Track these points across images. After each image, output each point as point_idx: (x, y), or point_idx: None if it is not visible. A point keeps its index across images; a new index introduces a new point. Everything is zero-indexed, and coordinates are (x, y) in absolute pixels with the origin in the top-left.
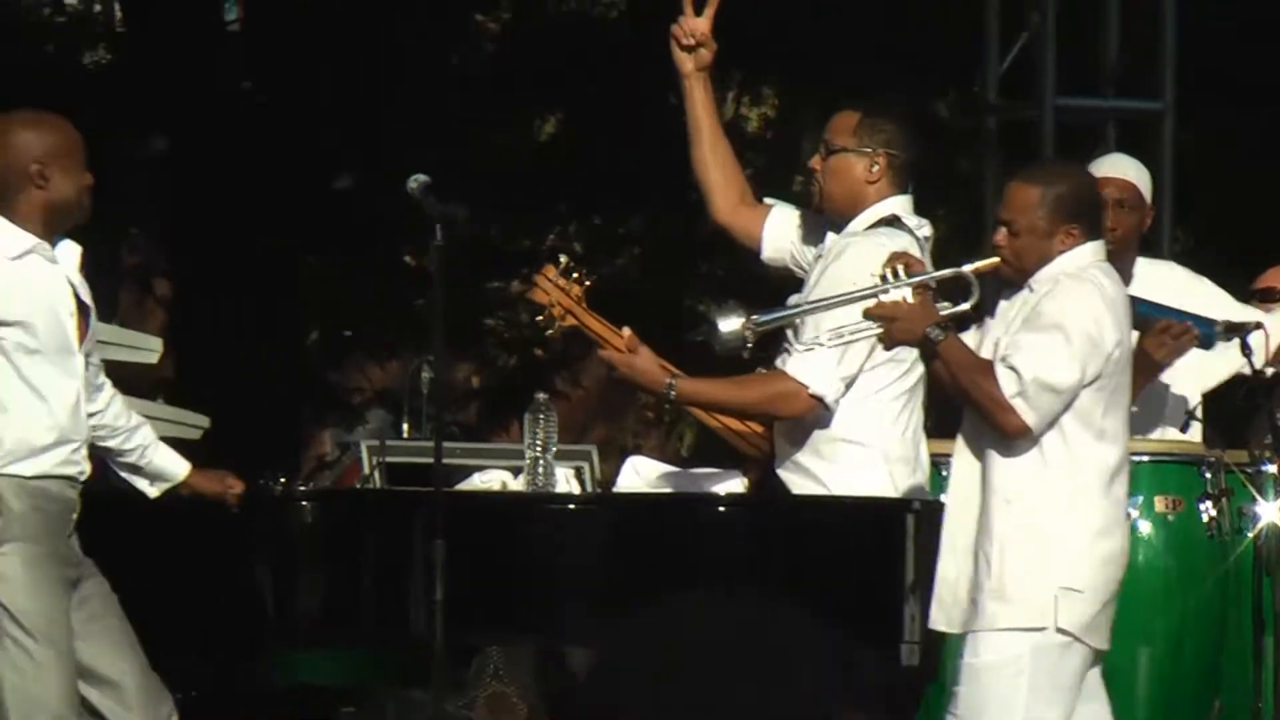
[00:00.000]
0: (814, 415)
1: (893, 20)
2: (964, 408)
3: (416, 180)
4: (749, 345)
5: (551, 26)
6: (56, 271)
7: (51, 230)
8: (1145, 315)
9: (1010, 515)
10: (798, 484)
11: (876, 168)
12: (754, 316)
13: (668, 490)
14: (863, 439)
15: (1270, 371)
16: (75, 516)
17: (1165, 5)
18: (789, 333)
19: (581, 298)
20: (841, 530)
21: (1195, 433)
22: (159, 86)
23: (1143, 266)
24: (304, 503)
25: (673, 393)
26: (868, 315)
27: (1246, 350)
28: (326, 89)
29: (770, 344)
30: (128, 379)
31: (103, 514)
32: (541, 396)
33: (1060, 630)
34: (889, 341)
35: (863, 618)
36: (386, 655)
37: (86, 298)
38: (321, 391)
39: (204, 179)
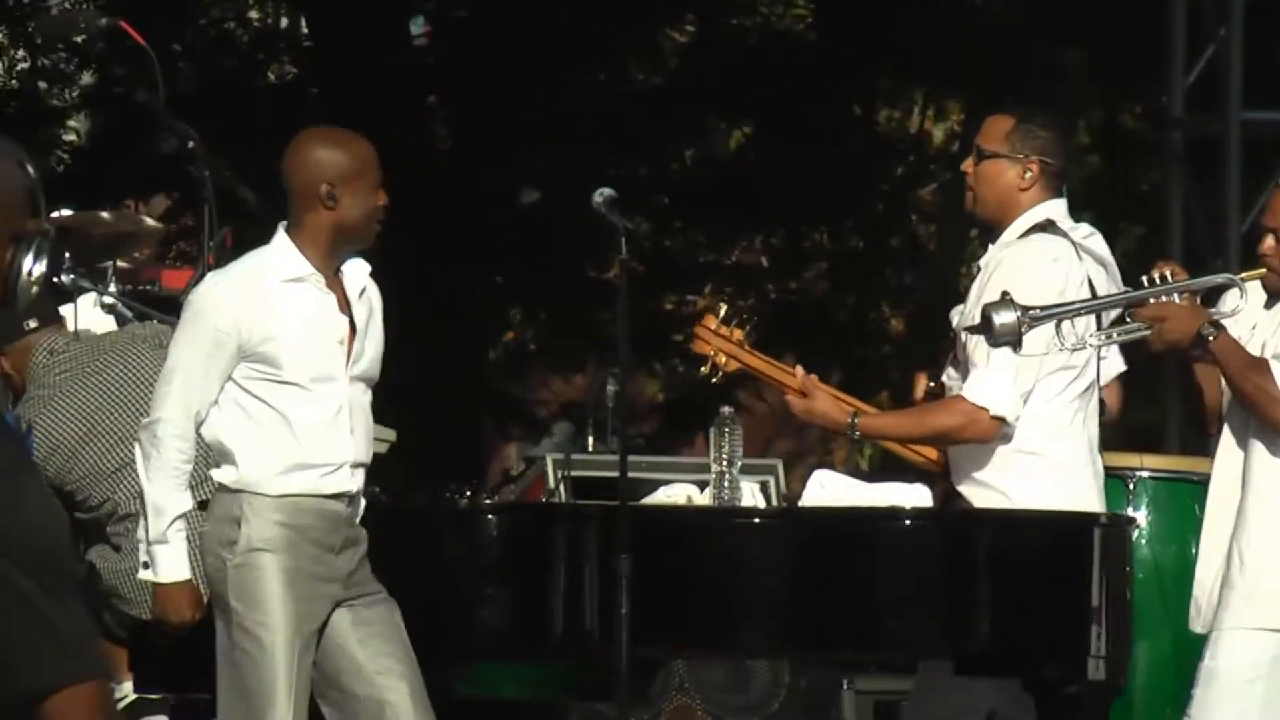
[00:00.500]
0: (997, 436)
1: (1078, 33)
2: (1227, 411)
3: (601, 194)
4: (1023, 338)
5: (737, 39)
6: (327, 301)
7: (335, 252)
8: None
9: (1268, 516)
10: (978, 497)
11: (1029, 174)
12: (1030, 310)
13: (853, 504)
14: (1038, 449)
15: None
16: (344, 535)
17: None
18: (968, 347)
19: (743, 342)
20: (1028, 544)
21: None
22: (344, 101)
23: None
24: (489, 516)
25: (856, 432)
26: (1138, 316)
27: None
28: (511, 103)
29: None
30: None
31: None
32: (727, 410)
33: None
34: (1160, 341)
35: (1049, 631)
36: (571, 669)
37: (363, 319)
38: (506, 405)
39: (387, 193)
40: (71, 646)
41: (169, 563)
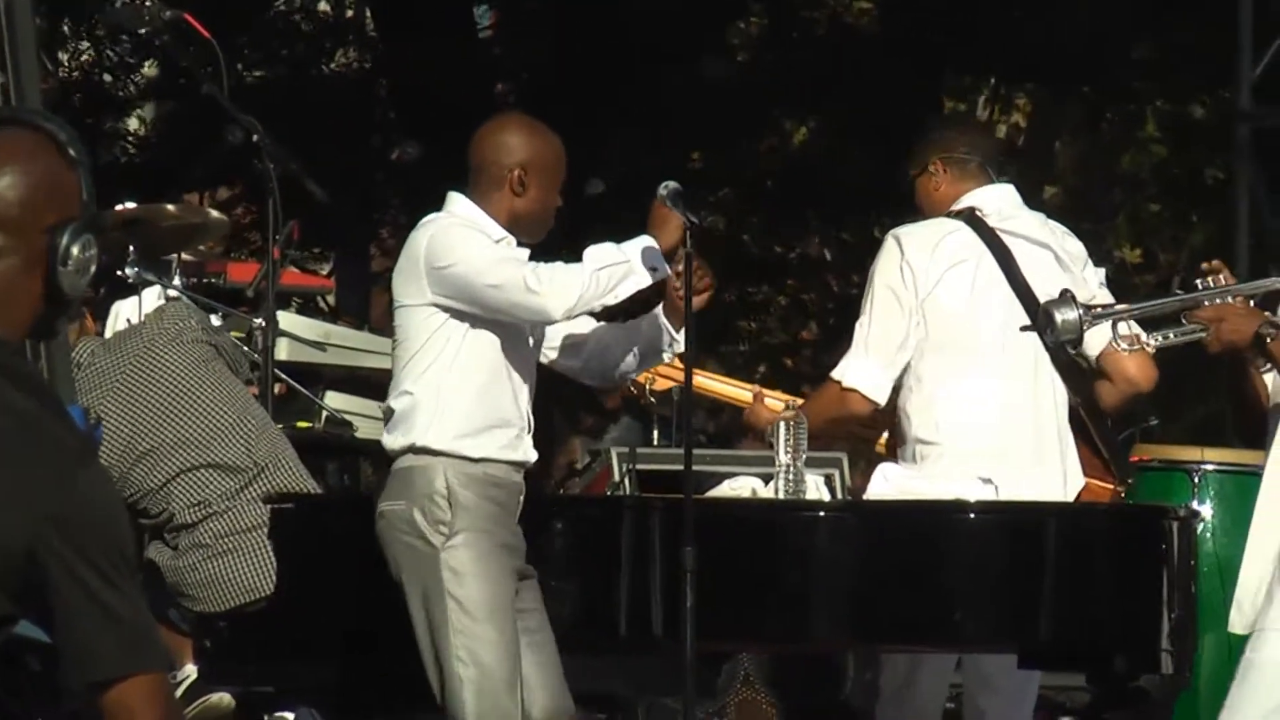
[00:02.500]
0: (868, 411)
1: (1146, 27)
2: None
3: (666, 187)
4: (1083, 336)
5: (804, 33)
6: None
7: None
8: None
9: None
10: (903, 490)
11: (935, 175)
12: (1092, 309)
13: (918, 497)
14: (928, 436)
15: None
16: (520, 502)
17: None
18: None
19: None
20: (1097, 536)
21: None
22: (410, 90)
23: None
24: (555, 509)
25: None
26: (1195, 318)
27: None
28: (577, 95)
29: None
30: (379, 385)
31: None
32: (792, 403)
33: None
34: (1217, 343)
35: (1120, 623)
36: (638, 662)
37: None
38: (572, 398)
39: (455, 184)
40: (133, 637)
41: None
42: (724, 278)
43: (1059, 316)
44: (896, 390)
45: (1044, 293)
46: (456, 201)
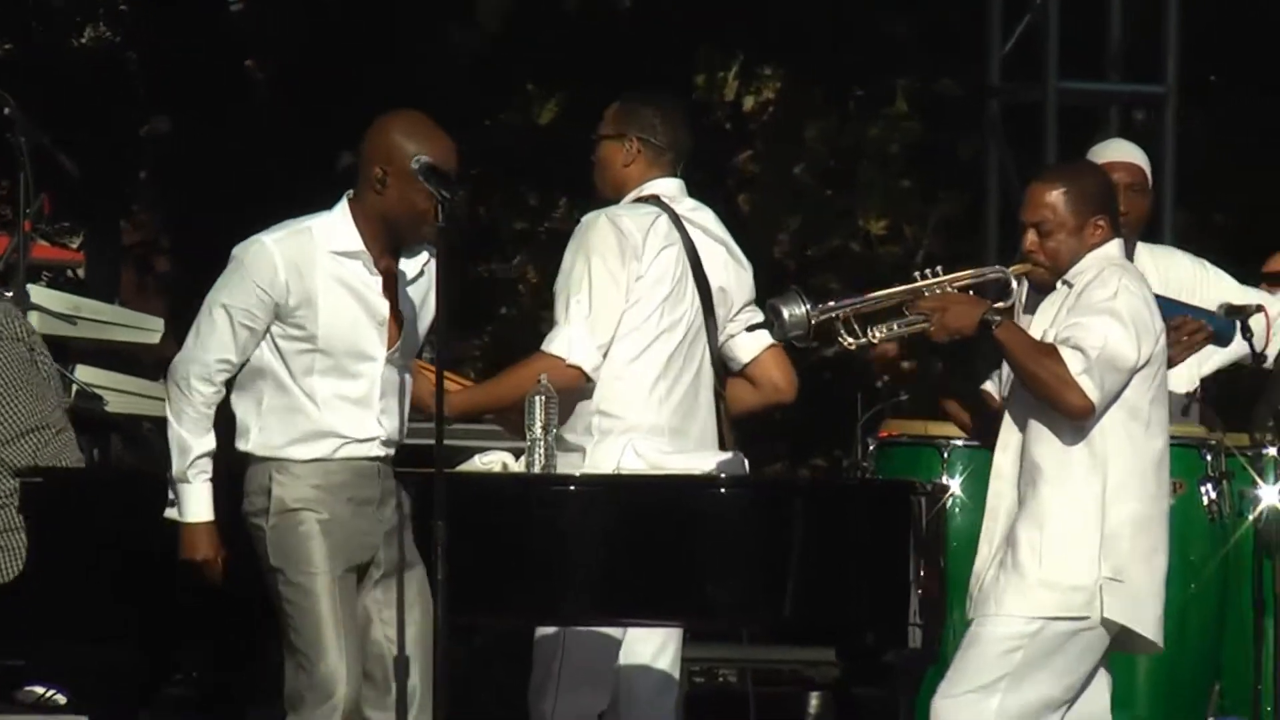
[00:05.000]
0: (580, 388)
1: (896, 2)
2: (1009, 403)
3: (418, 161)
4: (813, 331)
5: (555, 8)
6: (373, 281)
7: (380, 241)
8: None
9: (1056, 505)
10: (563, 459)
11: (629, 149)
12: (821, 304)
13: (668, 471)
14: (613, 410)
15: (1272, 355)
16: (382, 486)
17: None
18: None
19: None
20: (845, 512)
21: (1195, 416)
22: (161, 65)
23: (1144, 253)
24: None
25: (449, 410)
26: (917, 308)
27: (1247, 333)
28: (328, 68)
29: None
30: (130, 359)
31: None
32: (544, 378)
33: (1106, 620)
34: (942, 331)
35: (868, 599)
36: None
37: (414, 301)
38: None
39: (206, 158)
40: None
41: (192, 502)
42: (474, 255)
43: (786, 312)
44: None
45: (717, 285)
46: (340, 204)
